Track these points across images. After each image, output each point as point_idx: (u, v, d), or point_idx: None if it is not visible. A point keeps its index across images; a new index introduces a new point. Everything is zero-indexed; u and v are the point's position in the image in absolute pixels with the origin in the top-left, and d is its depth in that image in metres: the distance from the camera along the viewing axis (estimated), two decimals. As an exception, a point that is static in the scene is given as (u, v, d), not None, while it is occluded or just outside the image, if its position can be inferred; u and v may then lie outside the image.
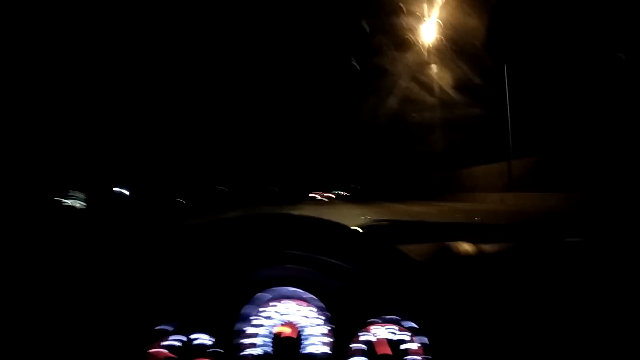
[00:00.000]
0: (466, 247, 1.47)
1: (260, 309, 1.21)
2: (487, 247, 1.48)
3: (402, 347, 1.12)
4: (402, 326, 1.16)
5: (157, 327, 1.12)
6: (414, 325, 1.13)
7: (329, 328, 1.16)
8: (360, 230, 1.65)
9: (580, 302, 1.20)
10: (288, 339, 1.15)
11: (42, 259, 1.48)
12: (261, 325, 1.18)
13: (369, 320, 1.15)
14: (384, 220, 1.76)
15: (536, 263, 1.41)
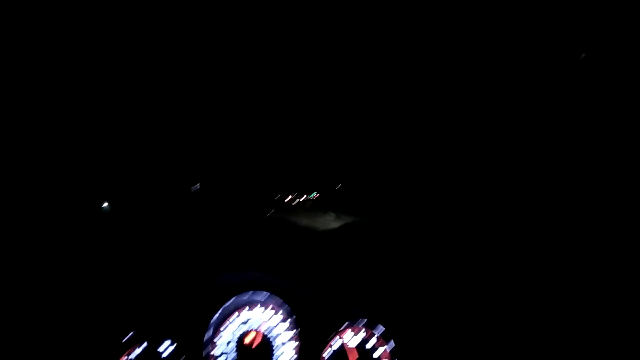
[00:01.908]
0: None
1: (228, 317, 1.21)
2: None
3: (370, 351, 1.15)
4: (371, 331, 1.19)
5: (124, 339, 1.11)
6: (381, 329, 1.16)
7: (295, 331, 1.17)
8: (329, 235, 1.68)
9: None
10: (256, 345, 1.17)
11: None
12: (229, 333, 1.19)
13: (339, 327, 1.18)
14: (351, 223, 1.78)
15: None
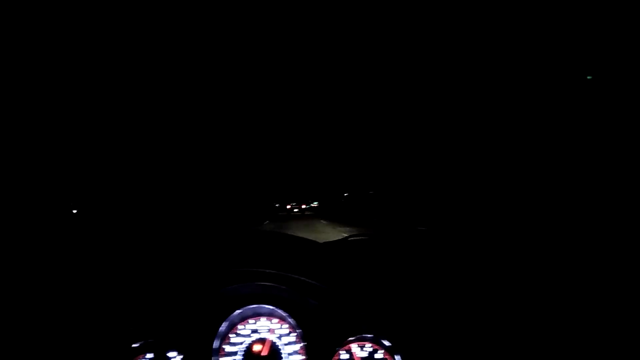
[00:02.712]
0: None
1: (236, 327, 1.22)
2: None
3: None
4: (378, 344, 1.19)
5: (134, 345, 1.12)
6: (388, 343, 1.16)
7: (302, 345, 1.17)
8: (334, 247, 1.68)
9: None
10: (262, 356, 1.17)
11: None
12: (236, 344, 1.19)
13: (345, 340, 1.18)
14: (360, 235, 1.78)
15: None
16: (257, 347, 1.19)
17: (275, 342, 1.20)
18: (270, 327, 1.22)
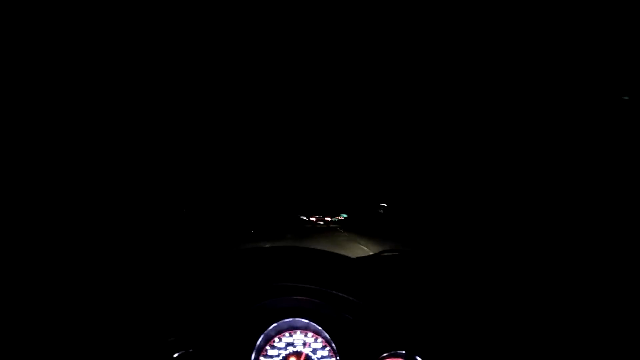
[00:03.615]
0: None
1: (272, 340, 1.26)
2: None
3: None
4: None
5: (175, 355, 1.17)
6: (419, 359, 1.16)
7: (336, 359, 1.19)
8: (369, 262, 1.70)
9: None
10: None
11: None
12: (272, 357, 1.23)
13: (378, 356, 1.19)
14: (393, 251, 1.79)
15: None
16: None
17: (310, 356, 1.23)
18: (305, 341, 1.25)
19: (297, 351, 1.24)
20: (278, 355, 1.24)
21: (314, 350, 1.24)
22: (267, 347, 1.25)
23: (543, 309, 1.28)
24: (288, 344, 1.25)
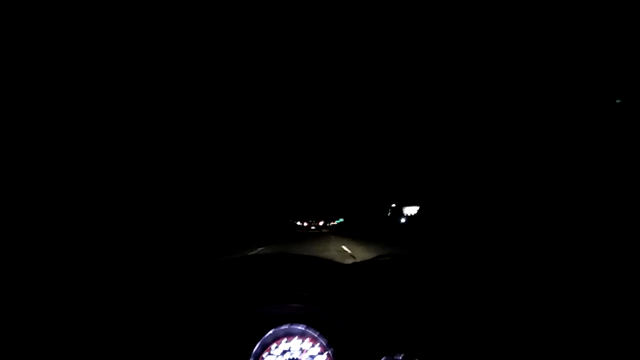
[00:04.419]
0: None
1: (269, 347, 1.25)
2: None
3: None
4: None
5: None
6: None
7: None
8: (364, 268, 1.70)
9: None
10: None
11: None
12: (269, 364, 1.22)
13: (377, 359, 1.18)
14: (388, 256, 1.79)
15: None
16: None
17: None
18: (303, 347, 1.24)
19: (294, 358, 1.23)
20: None
21: (312, 357, 1.23)
22: (264, 355, 1.24)
23: (541, 309, 1.28)
24: (285, 351, 1.25)
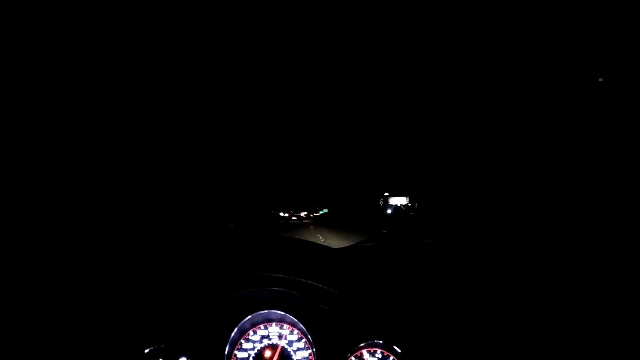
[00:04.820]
0: None
1: (247, 333, 1.22)
2: None
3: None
4: (389, 350, 1.18)
5: (145, 351, 1.12)
6: (399, 350, 1.15)
7: (312, 351, 1.17)
8: (346, 253, 1.68)
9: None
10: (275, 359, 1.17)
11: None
12: (247, 350, 1.20)
13: (355, 347, 1.17)
14: (369, 242, 1.78)
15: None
16: (267, 353, 1.19)
17: (285, 348, 1.20)
18: (281, 333, 1.22)
19: (272, 344, 1.21)
20: (253, 349, 1.20)
21: (290, 343, 1.21)
22: (242, 340, 1.21)
23: (517, 297, 1.30)
24: (263, 337, 1.22)
